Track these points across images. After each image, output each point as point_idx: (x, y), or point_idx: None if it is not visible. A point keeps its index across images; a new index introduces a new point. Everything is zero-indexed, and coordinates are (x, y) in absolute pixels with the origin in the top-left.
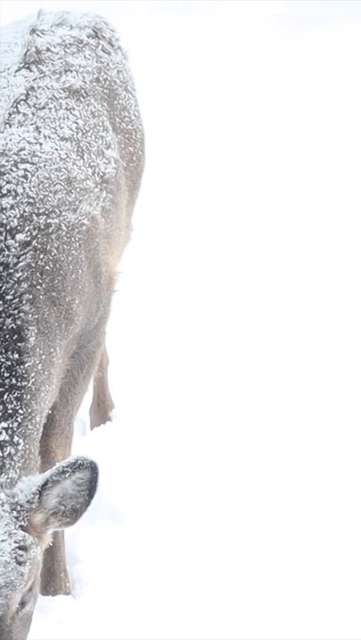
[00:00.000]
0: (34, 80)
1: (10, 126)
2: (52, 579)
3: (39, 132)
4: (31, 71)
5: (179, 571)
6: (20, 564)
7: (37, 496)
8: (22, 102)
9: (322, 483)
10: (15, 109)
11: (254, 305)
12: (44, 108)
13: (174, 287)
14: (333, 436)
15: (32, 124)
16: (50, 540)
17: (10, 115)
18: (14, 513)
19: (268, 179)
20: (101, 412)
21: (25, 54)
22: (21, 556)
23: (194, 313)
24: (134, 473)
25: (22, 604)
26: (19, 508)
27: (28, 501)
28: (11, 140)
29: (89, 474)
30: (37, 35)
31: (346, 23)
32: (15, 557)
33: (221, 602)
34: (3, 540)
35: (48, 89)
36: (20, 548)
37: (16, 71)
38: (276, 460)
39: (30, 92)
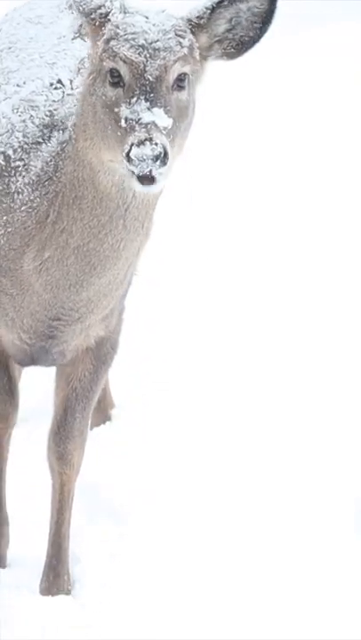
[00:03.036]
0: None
1: (81, 76)
2: (57, 579)
3: None
4: (85, 41)
5: (179, 571)
6: (180, 36)
7: (209, 12)
8: (86, 64)
9: (322, 482)
10: (82, 66)
11: (255, 305)
12: None
13: (175, 287)
14: (333, 434)
15: None
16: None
17: (79, 69)
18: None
19: (268, 179)
20: (102, 411)
21: (80, 26)
22: (182, 35)
23: (194, 313)
24: (134, 473)
25: (179, 84)
26: (187, 21)
27: (197, 17)
28: None
29: (267, 5)
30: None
31: (345, 23)
32: (175, 31)
33: (221, 602)
34: (167, 20)
35: None
36: (181, 33)
37: (72, 39)
38: (277, 459)
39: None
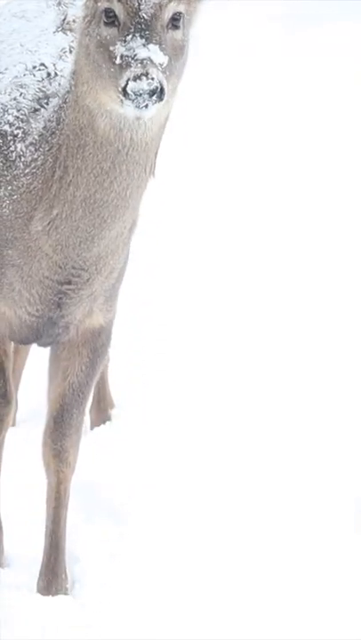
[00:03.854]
0: (72, 41)
1: (63, 62)
2: (54, 579)
3: None
4: (67, 35)
5: (179, 570)
6: None
7: None
8: (68, 53)
9: (323, 482)
10: (64, 54)
11: (255, 306)
12: None
13: (175, 287)
14: (333, 433)
15: None
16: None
17: (60, 56)
18: None
19: (268, 179)
20: (101, 411)
21: (62, 21)
22: None
23: (195, 313)
24: (134, 473)
25: (174, 23)
26: None
27: None
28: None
29: None
30: (64, 6)
31: (343, 23)
32: None
33: (221, 601)
34: None
35: None
36: None
37: (54, 32)
38: (277, 459)
39: (73, 49)
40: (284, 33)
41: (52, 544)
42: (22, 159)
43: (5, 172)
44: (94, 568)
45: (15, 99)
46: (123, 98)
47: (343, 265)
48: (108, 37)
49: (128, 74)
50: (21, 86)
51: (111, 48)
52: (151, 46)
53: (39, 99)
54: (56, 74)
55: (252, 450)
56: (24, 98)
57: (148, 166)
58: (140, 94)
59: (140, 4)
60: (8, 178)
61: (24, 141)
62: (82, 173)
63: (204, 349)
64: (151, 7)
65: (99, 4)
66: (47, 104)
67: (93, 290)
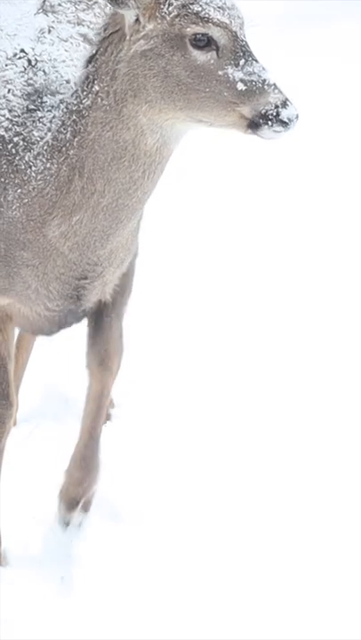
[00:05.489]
0: (52, 22)
1: (42, 44)
2: (90, 471)
3: (69, 54)
4: (48, 16)
5: (179, 570)
6: None
7: None
8: (46, 33)
9: (323, 482)
10: (42, 36)
11: (255, 308)
12: (66, 41)
13: (175, 288)
14: (333, 433)
15: (61, 47)
16: None
17: (39, 38)
18: None
19: (267, 179)
20: None
21: (42, 3)
22: None
23: (195, 313)
24: (134, 473)
25: None
26: None
27: None
28: (50, 52)
29: None
30: None
31: (345, 24)
32: None
33: (222, 601)
34: None
35: (66, 30)
36: None
37: (35, 14)
38: (277, 460)
39: (52, 29)
40: (287, 33)
41: (91, 440)
42: (33, 168)
43: (12, 176)
44: (94, 568)
45: (4, 96)
46: (265, 122)
47: (343, 266)
48: (212, 62)
49: (272, 100)
50: (7, 82)
51: (221, 73)
52: (266, 68)
53: (29, 94)
54: (37, 60)
55: (253, 449)
56: (13, 95)
57: (164, 170)
58: (293, 120)
59: (233, 26)
60: (16, 181)
61: (30, 151)
62: (111, 183)
63: (204, 350)
64: (241, 28)
65: (186, 29)
66: (42, 104)
67: (105, 279)
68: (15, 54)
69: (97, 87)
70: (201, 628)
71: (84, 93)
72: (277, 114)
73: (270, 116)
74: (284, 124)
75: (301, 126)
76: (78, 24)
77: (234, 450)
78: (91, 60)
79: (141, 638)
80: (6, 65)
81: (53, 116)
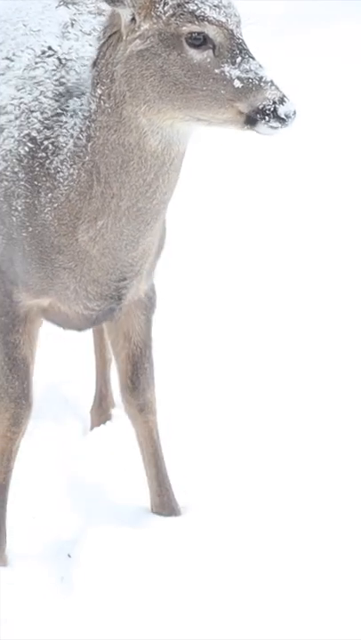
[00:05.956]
0: (74, 14)
1: (68, 40)
2: (169, 497)
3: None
4: (69, 8)
5: (179, 570)
6: None
7: None
8: (70, 27)
9: (324, 482)
10: (66, 31)
11: (255, 308)
12: (89, 34)
13: (176, 290)
14: (334, 434)
15: (86, 43)
16: None
17: (63, 33)
18: None
19: (267, 179)
20: (102, 410)
21: None
22: None
23: (195, 313)
24: (134, 473)
25: None
26: None
27: None
28: (77, 49)
29: None
30: None
31: (345, 24)
32: None
33: (222, 601)
34: None
35: (89, 22)
36: None
37: (56, 7)
38: (278, 460)
39: (74, 22)
40: (287, 33)
41: (159, 474)
42: (60, 174)
43: (44, 179)
44: (94, 568)
45: (37, 98)
46: (262, 118)
47: (343, 264)
48: (208, 60)
49: (269, 96)
50: (38, 84)
51: (217, 71)
52: (262, 65)
53: (60, 96)
54: (66, 59)
55: (253, 449)
56: (45, 96)
57: (180, 168)
58: (290, 115)
59: (229, 24)
60: (47, 185)
61: (58, 156)
62: (125, 186)
63: (204, 351)
64: (237, 26)
65: (182, 27)
66: (67, 109)
67: (141, 278)
68: (43, 52)
69: (99, 90)
70: (201, 628)
71: (92, 98)
72: (275, 109)
73: (268, 112)
74: (282, 120)
75: (301, 126)
76: (99, 14)
77: (234, 449)
78: (94, 63)
79: (141, 638)
80: (36, 63)
81: (74, 123)
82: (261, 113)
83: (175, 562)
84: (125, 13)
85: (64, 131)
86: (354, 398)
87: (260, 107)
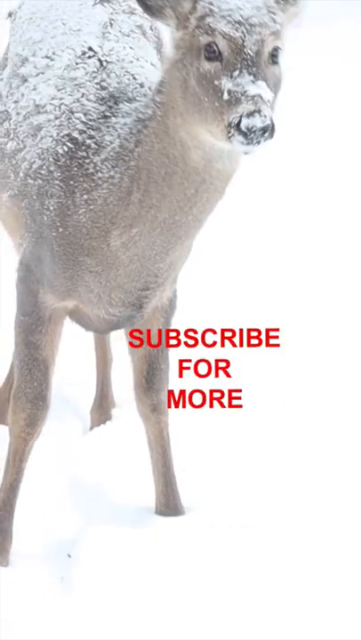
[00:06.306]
0: (111, 14)
1: (108, 41)
2: (175, 497)
3: (134, 52)
4: (105, 7)
5: (179, 570)
6: (272, 12)
7: None
8: (109, 27)
9: (328, 484)
10: (107, 31)
11: (255, 308)
12: (128, 35)
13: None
14: (336, 436)
15: (126, 45)
16: None
17: (104, 34)
18: None
19: (267, 178)
20: (103, 410)
21: None
22: (274, 12)
23: (196, 313)
24: (134, 473)
25: (273, 59)
26: None
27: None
28: (118, 51)
29: None
30: None
31: (345, 24)
32: (267, 7)
33: (222, 602)
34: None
35: (126, 23)
36: (272, 9)
37: (93, 5)
38: (281, 461)
39: (113, 22)
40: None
41: (168, 473)
42: (99, 174)
43: (81, 179)
44: (94, 568)
45: (78, 100)
46: (234, 132)
47: (343, 265)
48: (213, 71)
49: (240, 110)
50: (79, 86)
51: (216, 82)
52: (260, 83)
53: (105, 100)
54: (107, 61)
55: (254, 449)
56: (88, 99)
57: (224, 192)
58: (254, 131)
59: (244, 40)
60: (85, 186)
61: (99, 155)
62: (165, 199)
63: (204, 351)
64: (254, 43)
65: (200, 38)
66: (118, 112)
67: (165, 288)
68: (84, 52)
69: (157, 98)
70: (201, 628)
71: (151, 102)
72: (238, 122)
73: (233, 125)
74: (243, 133)
75: (301, 126)
76: (132, 13)
77: (234, 450)
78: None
79: (141, 638)
80: (77, 64)
81: (125, 123)
82: (229, 126)
83: (175, 562)
84: (170, 24)
85: (111, 130)
86: (354, 398)
87: (230, 120)
